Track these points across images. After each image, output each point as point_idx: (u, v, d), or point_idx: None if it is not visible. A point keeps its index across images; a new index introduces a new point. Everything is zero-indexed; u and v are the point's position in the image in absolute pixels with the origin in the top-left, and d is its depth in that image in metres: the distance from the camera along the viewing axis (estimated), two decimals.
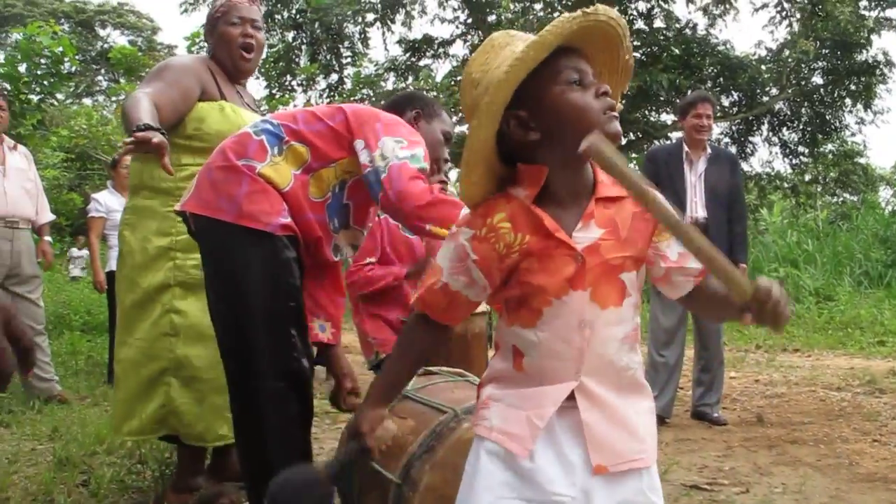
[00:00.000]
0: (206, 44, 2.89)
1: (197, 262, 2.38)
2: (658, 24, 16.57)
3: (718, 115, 17.30)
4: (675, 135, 13.17)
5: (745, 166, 17.96)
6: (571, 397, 1.29)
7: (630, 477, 1.30)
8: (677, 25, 16.77)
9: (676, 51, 15.96)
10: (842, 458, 3.56)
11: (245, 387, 2.07)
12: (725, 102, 17.45)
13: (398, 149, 2.08)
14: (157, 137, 2.12)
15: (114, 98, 18.43)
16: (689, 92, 13.19)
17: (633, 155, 15.22)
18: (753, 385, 5.64)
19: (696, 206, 4.37)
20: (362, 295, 2.97)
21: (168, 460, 3.06)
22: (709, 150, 4.46)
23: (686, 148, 4.44)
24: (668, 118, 16.80)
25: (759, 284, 1.13)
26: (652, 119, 16.93)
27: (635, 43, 16.30)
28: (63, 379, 5.31)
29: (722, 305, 1.34)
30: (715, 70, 16.58)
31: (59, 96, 17.38)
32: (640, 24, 16.17)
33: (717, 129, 17.55)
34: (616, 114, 1.31)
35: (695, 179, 4.40)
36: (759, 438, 4.01)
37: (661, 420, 4.36)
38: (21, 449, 3.62)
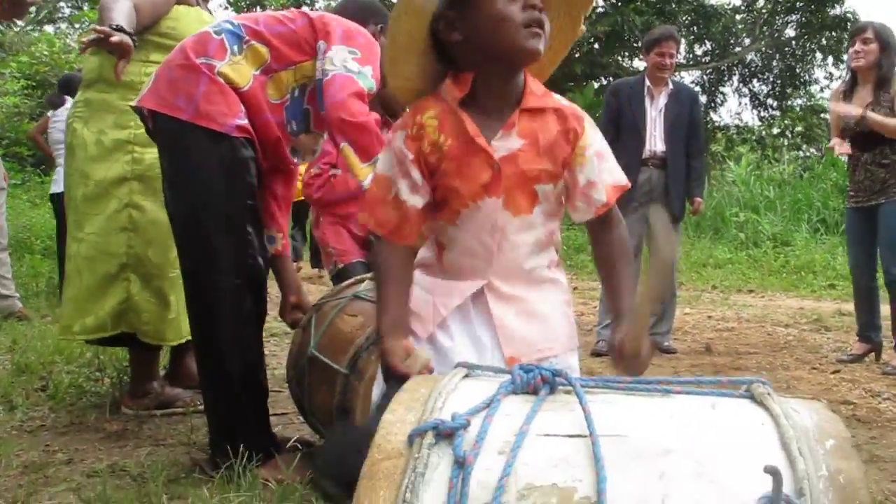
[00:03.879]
0: None
1: (156, 157, 2.40)
2: None
3: (690, 63, 17.36)
4: None
5: (714, 116, 18.07)
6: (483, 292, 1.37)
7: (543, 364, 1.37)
8: None
9: None
10: (780, 382, 3.71)
11: (201, 282, 2.12)
12: (698, 51, 17.46)
13: (350, 59, 2.11)
14: (117, 36, 2.11)
15: (77, 26, 17.88)
16: None
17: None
18: (706, 321, 5.79)
19: (656, 140, 4.43)
20: (323, 203, 2.99)
21: (126, 369, 3.11)
22: (670, 86, 4.51)
23: (648, 83, 4.48)
24: (640, 64, 16.77)
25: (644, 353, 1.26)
26: (625, 65, 16.89)
27: None
28: (24, 299, 5.30)
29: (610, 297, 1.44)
30: (689, 18, 16.53)
31: (20, 22, 16.84)
32: None
33: (689, 78, 17.58)
34: (541, 32, 1.30)
35: (655, 114, 4.45)
36: (706, 365, 4.16)
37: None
38: None
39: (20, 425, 2.64)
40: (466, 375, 1.03)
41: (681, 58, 17.22)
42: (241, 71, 2.12)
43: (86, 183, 2.60)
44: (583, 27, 1.44)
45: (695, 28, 16.72)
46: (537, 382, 0.96)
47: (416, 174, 1.37)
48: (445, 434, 0.86)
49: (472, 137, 1.33)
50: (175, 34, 2.59)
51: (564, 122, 1.39)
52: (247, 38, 2.15)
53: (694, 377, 1.01)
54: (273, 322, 4.23)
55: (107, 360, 3.28)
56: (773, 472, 0.75)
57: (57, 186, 5.64)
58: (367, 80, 2.11)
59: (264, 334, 2.27)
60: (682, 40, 16.97)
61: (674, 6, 16.14)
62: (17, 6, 2.83)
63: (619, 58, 16.66)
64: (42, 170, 13.44)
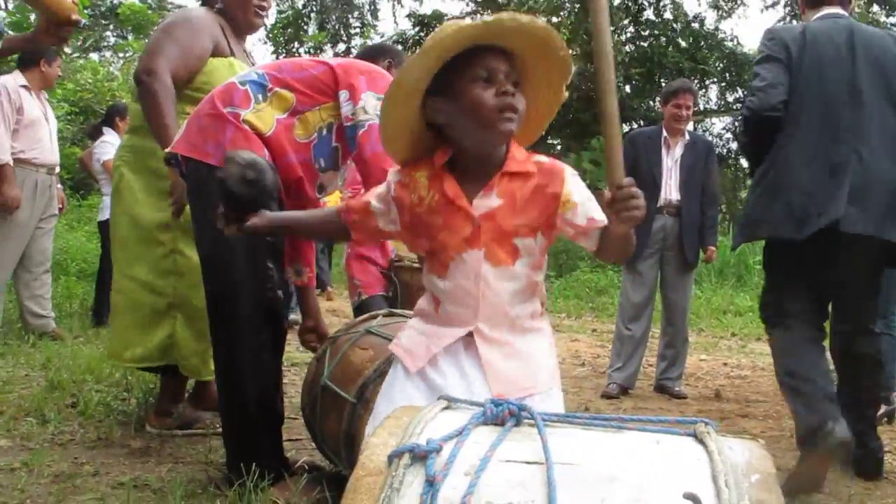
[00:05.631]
0: None
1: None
2: (667, 15, 16.65)
3: (722, 109, 17.46)
4: None
5: (744, 162, 18.07)
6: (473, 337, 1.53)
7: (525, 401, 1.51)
8: (686, 18, 16.85)
9: (683, 43, 16.05)
10: (785, 431, 3.78)
11: (223, 314, 2.28)
12: (730, 98, 17.55)
13: (380, 106, 2.28)
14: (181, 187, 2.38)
15: (121, 54, 18.45)
16: (695, 83, 13.34)
17: None
18: (720, 367, 5.84)
19: (671, 189, 4.56)
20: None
21: (152, 390, 3.29)
22: (687, 137, 4.65)
23: (665, 133, 4.63)
24: None
25: (627, 181, 1.38)
26: (654, 112, 17.03)
27: (644, 32, 16.42)
28: (58, 319, 5.52)
29: (611, 234, 1.51)
30: (721, 65, 16.68)
31: (67, 49, 17.41)
32: (649, 14, 16.26)
33: (720, 124, 17.70)
34: (514, 115, 1.48)
35: (671, 164, 4.59)
36: (713, 411, 4.23)
37: (624, 390, 4.58)
38: (15, 374, 3.85)
39: (52, 438, 2.82)
40: (447, 407, 1.17)
41: (712, 104, 17.38)
42: (264, 118, 2.29)
43: (135, 226, 2.81)
44: (565, 93, 1.59)
45: (727, 75, 16.84)
46: (505, 415, 1.09)
47: (392, 208, 1.61)
48: (420, 456, 0.99)
49: (453, 199, 1.52)
50: (208, 88, 2.72)
51: (544, 180, 1.54)
52: (271, 86, 2.32)
53: (645, 417, 1.14)
54: (295, 352, 4.40)
55: (134, 381, 3.46)
56: (691, 497, 0.87)
57: (103, 214, 5.89)
58: None
59: (286, 363, 2.43)
60: (714, 87, 17.12)
61: (705, 53, 16.32)
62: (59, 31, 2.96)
63: (651, 101, 16.81)
64: (81, 194, 13.84)
